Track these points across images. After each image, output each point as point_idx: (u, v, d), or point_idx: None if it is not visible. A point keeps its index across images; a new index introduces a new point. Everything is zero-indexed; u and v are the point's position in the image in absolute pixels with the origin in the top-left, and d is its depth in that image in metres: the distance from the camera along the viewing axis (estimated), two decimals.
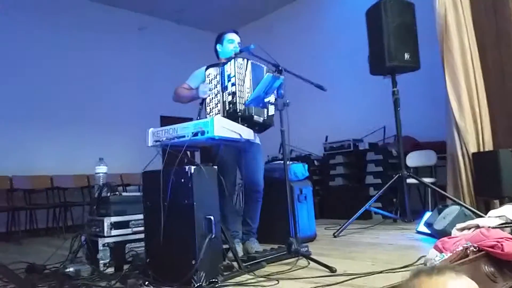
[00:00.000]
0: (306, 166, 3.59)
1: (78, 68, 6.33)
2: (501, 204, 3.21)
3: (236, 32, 3.01)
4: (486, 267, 1.64)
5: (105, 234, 2.55)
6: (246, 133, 2.36)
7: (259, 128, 2.79)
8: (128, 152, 6.27)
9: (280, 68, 2.57)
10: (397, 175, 3.75)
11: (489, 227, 2.09)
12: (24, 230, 5.06)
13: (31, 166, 5.54)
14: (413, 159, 4.65)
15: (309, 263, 2.34)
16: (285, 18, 7.30)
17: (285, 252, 2.45)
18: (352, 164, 5.37)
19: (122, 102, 6.79)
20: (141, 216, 2.44)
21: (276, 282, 2.01)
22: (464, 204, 3.23)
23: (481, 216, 2.75)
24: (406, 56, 3.70)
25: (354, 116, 5.97)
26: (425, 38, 3.87)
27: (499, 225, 2.18)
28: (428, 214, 3.29)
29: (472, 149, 3.65)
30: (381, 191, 3.82)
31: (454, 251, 1.70)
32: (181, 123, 2.24)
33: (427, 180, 4.11)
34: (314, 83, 2.65)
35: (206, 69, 2.83)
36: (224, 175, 2.44)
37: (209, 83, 2.76)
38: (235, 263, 2.29)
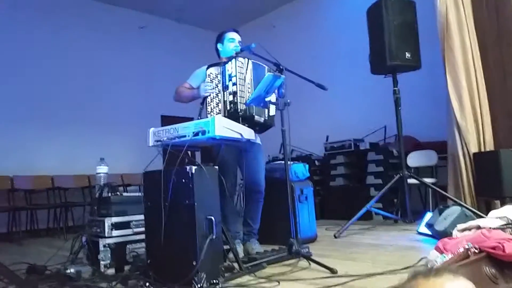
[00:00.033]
0: (307, 166, 3.58)
1: (79, 67, 6.32)
2: (502, 204, 3.20)
3: (237, 31, 3.01)
4: (487, 268, 1.63)
5: (106, 234, 2.54)
6: (247, 133, 2.35)
7: (259, 128, 2.79)
8: (129, 152, 6.27)
9: (281, 67, 2.57)
10: (398, 175, 3.74)
11: (490, 228, 2.08)
12: (24, 230, 5.05)
13: (32, 166, 5.54)
14: (414, 159, 4.65)
15: (310, 264, 2.34)
16: (285, 17, 7.28)
17: (286, 253, 2.45)
18: (352, 164, 5.36)
19: (123, 101, 6.78)
20: (142, 217, 2.44)
21: (277, 283, 2.01)
22: (465, 205, 3.23)
23: (482, 217, 2.74)
24: (407, 55, 3.69)
25: (355, 116, 5.96)
26: (426, 36, 3.86)
27: (500, 225, 2.17)
28: (429, 215, 3.28)
29: (473, 149, 3.64)
30: (381, 191, 3.81)
31: (455, 252, 1.69)
32: (182, 123, 2.24)
33: (428, 180, 4.10)
34: (315, 83, 2.64)
35: (207, 68, 2.83)
36: (225, 175, 2.44)
37: (210, 82, 2.76)
38: (235, 264, 2.29)
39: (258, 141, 2.88)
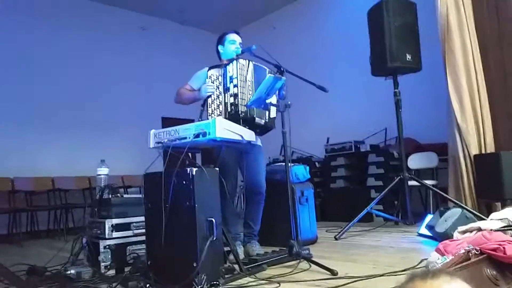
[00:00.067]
0: (308, 168, 3.59)
1: (79, 68, 6.33)
2: (503, 206, 3.19)
3: (238, 33, 3.01)
4: (488, 270, 1.63)
5: (106, 236, 2.55)
6: (248, 134, 2.35)
7: (260, 130, 2.79)
8: (129, 154, 6.27)
9: (281, 69, 2.57)
10: (399, 177, 3.74)
11: (491, 229, 2.08)
12: (25, 232, 5.06)
13: (33, 168, 5.54)
14: (415, 161, 4.64)
15: (310, 265, 2.33)
16: (286, 18, 7.29)
17: (286, 255, 2.44)
18: (353, 166, 5.36)
19: (124, 103, 6.79)
20: (142, 218, 2.44)
21: (277, 285, 2.01)
22: (465, 207, 3.22)
23: (483, 219, 2.74)
24: (408, 56, 3.68)
25: (355, 118, 5.96)
26: (427, 38, 3.86)
27: (501, 227, 2.17)
28: (429, 217, 3.28)
29: (474, 151, 3.64)
30: (382, 193, 3.80)
31: (456, 254, 1.69)
32: (182, 125, 2.24)
33: (428, 182, 4.09)
34: (316, 85, 2.63)
35: (208, 70, 2.83)
36: (225, 177, 2.44)
37: (212, 84, 2.76)
38: (236, 266, 2.28)
39: (259, 143, 2.89)
